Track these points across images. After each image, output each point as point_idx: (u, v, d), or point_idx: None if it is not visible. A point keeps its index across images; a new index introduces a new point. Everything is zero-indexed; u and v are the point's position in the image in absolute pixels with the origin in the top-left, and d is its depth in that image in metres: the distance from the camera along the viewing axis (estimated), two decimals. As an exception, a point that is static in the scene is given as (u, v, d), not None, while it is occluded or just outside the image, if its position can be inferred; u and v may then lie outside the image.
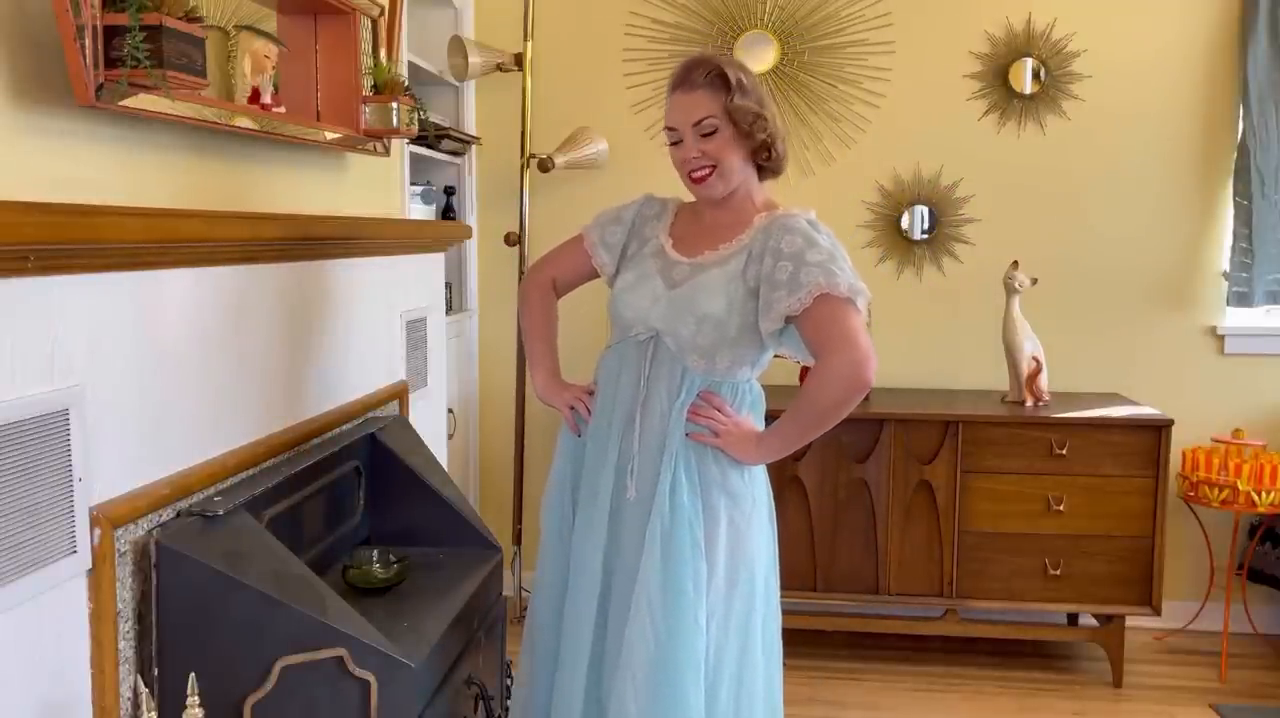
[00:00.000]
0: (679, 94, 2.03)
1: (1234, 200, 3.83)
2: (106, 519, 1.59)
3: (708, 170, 2.02)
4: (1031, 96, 3.89)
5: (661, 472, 1.99)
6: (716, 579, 2.00)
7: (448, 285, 3.63)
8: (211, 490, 1.88)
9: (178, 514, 1.78)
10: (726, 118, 2.00)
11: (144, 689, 1.57)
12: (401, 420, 2.76)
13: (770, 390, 2.21)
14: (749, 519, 2.05)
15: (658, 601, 1.95)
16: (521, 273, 3.97)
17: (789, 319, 1.96)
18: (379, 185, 3.02)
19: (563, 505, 2.15)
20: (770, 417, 2.11)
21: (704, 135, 2.01)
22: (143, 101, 1.72)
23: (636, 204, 2.21)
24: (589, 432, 2.11)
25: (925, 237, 3.98)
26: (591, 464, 2.08)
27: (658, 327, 2.04)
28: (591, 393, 2.14)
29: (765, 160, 2.07)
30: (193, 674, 1.58)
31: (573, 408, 2.15)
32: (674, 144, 2.06)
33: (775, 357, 2.14)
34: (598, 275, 2.23)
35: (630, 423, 2.04)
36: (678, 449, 2.00)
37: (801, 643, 3.65)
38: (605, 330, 2.18)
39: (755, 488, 2.08)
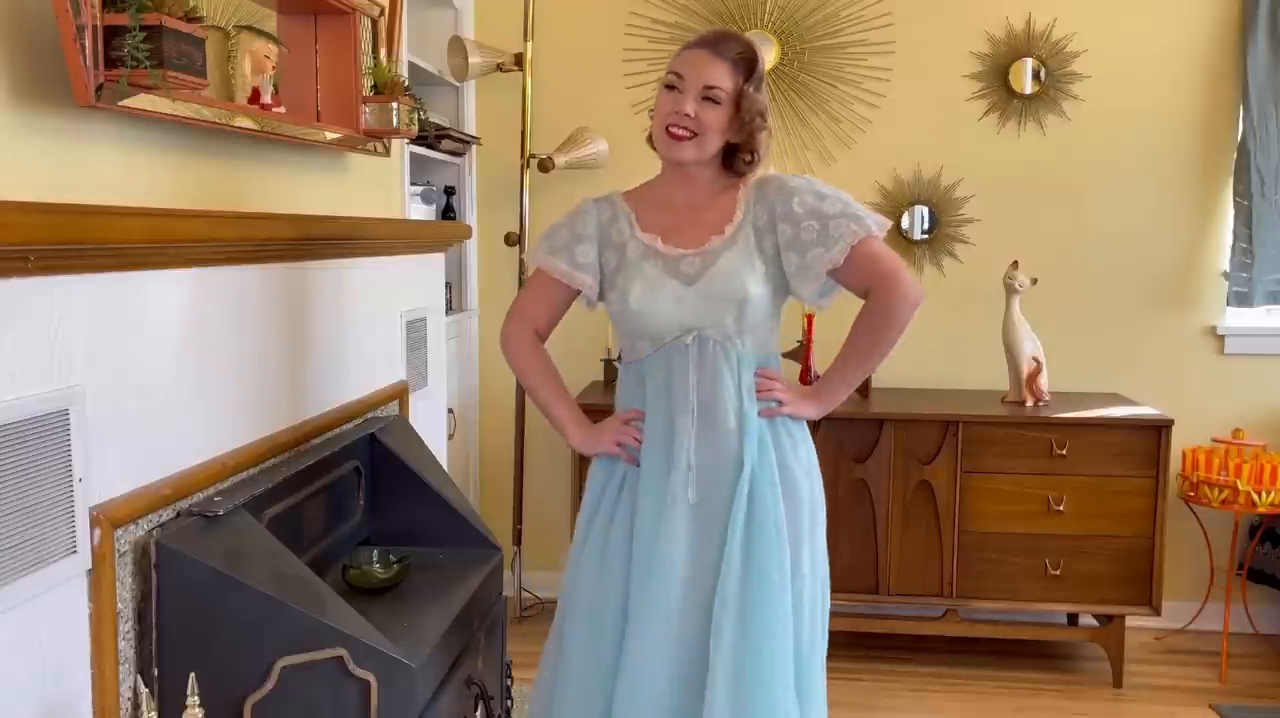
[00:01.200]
0: (702, 52, 1.99)
1: (1234, 200, 3.83)
2: (106, 519, 1.59)
3: (688, 134, 1.99)
4: (1031, 96, 3.89)
5: (744, 461, 1.98)
6: (806, 565, 2.03)
7: (448, 285, 3.63)
8: (211, 490, 1.88)
9: (178, 514, 1.78)
10: (734, 99, 1.98)
11: (144, 689, 1.57)
12: (401, 420, 2.76)
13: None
14: (819, 492, 2.10)
15: (744, 596, 1.96)
16: (522, 273, 3.98)
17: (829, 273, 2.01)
18: (379, 185, 3.02)
19: (609, 520, 2.08)
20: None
21: (706, 100, 1.98)
22: (142, 101, 1.72)
23: (590, 214, 2.11)
24: (645, 450, 2.04)
25: (925, 237, 3.97)
26: (656, 473, 2.02)
27: (694, 324, 2.01)
28: (629, 420, 2.07)
29: (746, 162, 2.05)
30: (193, 674, 1.58)
31: (621, 443, 2.07)
32: (670, 89, 2.00)
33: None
34: (572, 301, 2.15)
35: (696, 423, 2.00)
36: (753, 435, 2.00)
37: (801, 643, 3.64)
38: (587, 349, 2.13)
39: (815, 459, 2.12)
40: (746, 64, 1.99)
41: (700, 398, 2.00)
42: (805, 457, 2.09)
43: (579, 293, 2.12)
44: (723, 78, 1.97)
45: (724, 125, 1.99)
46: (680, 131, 1.99)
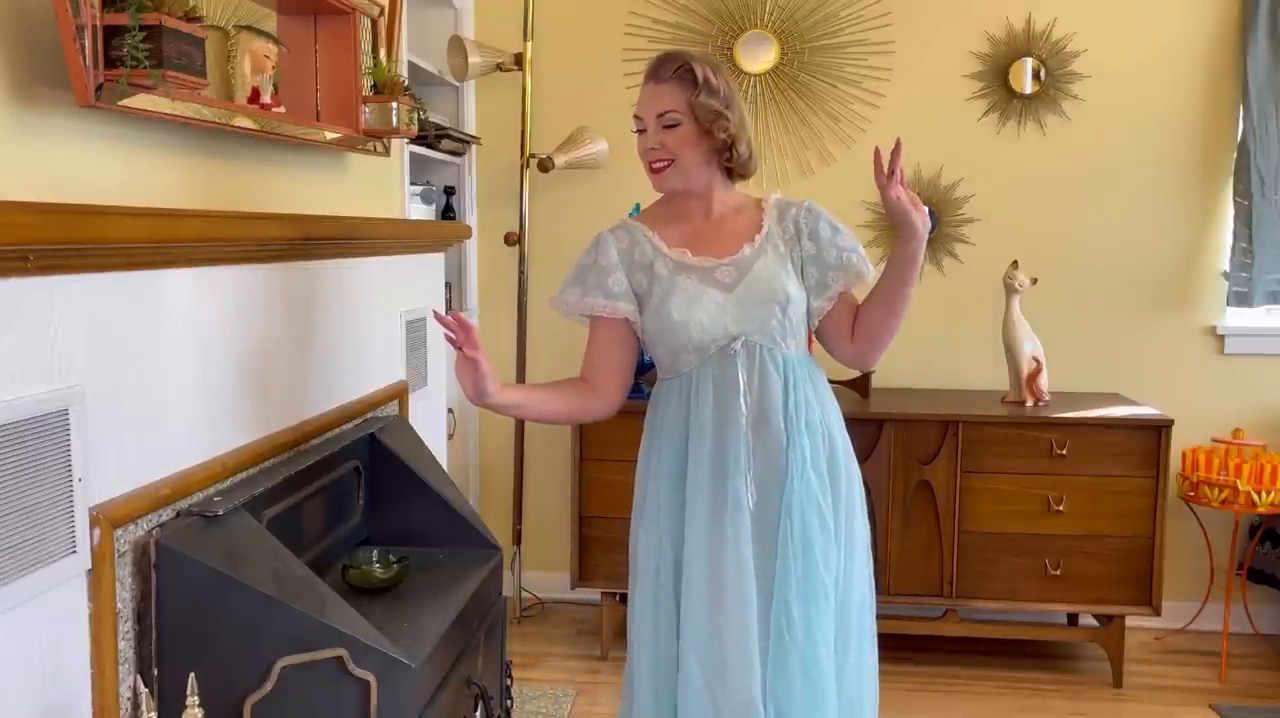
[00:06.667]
0: (648, 85, 2.07)
1: (1234, 200, 3.83)
2: (106, 519, 1.59)
3: (665, 163, 2.05)
4: (1031, 96, 3.89)
5: (791, 463, 2.02)
6: (860, 557, 2.12)
7: (448, 285, 3.63)
8: (211, 490, 1.88)
9: (178, 514, 1.78)
10: (689, 113, 2.03)
11: (144, 689, 1.57)
12: (401, 420, 2.76)
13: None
14: (857, 481, 2.17)
15: (799, 596, 2.02)
16: (522, 272, 3.98)
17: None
18: (379, 185, 3.02)
19: (665, 533, 2.09)
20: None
21: (666, 127, 2.04)
22: (142, 101, 1.72)
23: (608, 243, 2.12)
24: (692, 464, 2.05)
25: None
26: (705, 485, 2.03)
27: (738, 331, 2.03)
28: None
29: (728, 161, 2.09)
30: (193, 674, 1.58)
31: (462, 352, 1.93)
32: (639, 132, 2.08)
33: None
34: (635, 336, 2.12)
35: (750, 427, 2.02)
36: (802, 436, 2.04)
37: (801, 643, 3.64)
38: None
39: (851, 448, 2.19)
40: (688, 75, 2.03)
41: (752, 402, 2.03)
42: (844, 449, 2.14)
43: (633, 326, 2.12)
44: (669, 100, 2.03)
45: (692, 140, 2.04)
46: (659, 164, 2.06)
